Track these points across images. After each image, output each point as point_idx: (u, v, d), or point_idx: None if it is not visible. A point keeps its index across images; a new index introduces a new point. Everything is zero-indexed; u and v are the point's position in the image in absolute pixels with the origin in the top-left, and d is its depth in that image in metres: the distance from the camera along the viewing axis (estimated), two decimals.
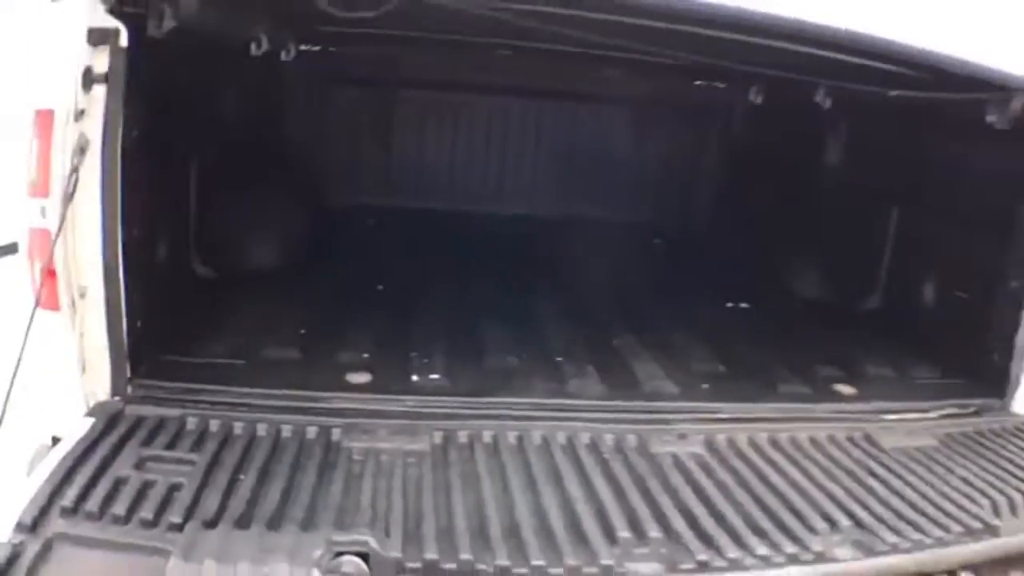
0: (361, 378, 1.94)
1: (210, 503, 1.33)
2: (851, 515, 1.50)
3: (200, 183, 2.42)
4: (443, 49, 2.70)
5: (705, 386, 2.07)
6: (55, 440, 1.79)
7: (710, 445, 1.74)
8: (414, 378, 1.98)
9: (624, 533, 1.38)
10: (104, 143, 1.61)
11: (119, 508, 1.29)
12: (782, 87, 2.59)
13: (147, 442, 1.52)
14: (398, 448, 1.60)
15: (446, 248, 2.98)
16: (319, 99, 3.19)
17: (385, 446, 1.60)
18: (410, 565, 1.24)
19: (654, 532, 1.39)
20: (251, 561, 1.17)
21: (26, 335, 1.63)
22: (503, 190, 3.45)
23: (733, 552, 1.35)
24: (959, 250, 2.28)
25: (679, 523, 1.42)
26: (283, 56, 2.32)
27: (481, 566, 1.25)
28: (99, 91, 1.60)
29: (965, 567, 1.39)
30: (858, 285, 2.71)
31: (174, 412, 1.64)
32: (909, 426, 1.91)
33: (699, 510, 1.47)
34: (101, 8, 1.57)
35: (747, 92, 2.87)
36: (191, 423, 1.61)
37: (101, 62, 1.59)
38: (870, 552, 1.40)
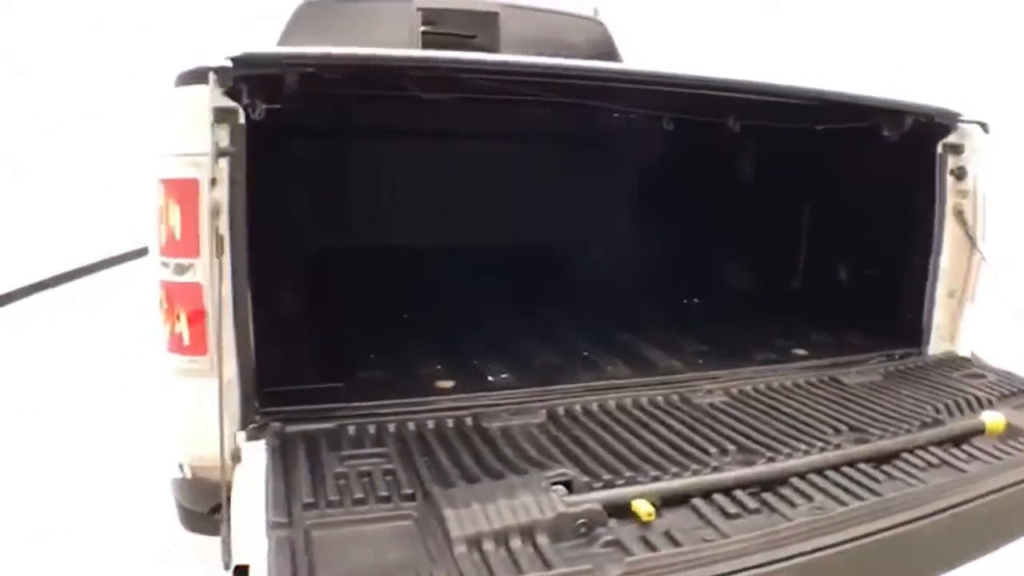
0: (448, 383, 2.35)
1: (428, 475, 1.68)
2: (844, 423, 2.09)
3: None
4: (392, 102, 2.89)
5: (700, 361, 2.65)
6: (181, 467, 2.07)
7: (729, 394, 2.30)
8: (489, 378, 2.41)
9: (712, 450, 1.91)
10: (232, 207, 1.91)
11: (356, 493, 1.60)
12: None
13: (333, 447, 1.81)
14: (524, 423, 2.02)
15: (431, 278, 3.31)
16: (281, 153, 3.29)
17: (515, 422, 2.02)
18: (595, 484, 1.68)
19: (730, 447, 1.93)
20: (504, 496, 1.56)
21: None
22: (459, 225, 3.77)
23: (785, 449, 1.91)
24: (865, 237, 2.98)
25: (742, 440, 1.96)
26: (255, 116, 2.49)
27: (640, 477, 1.73)
28: (224, 163, 1.90)
29: (931, 444, 1.98)
30: (781, 273, 3.41)
31: (330, 425, 1.94)
32: (859, 368, 2.55)
33: (749, 432, 2.02)
34: (220, 91, 1.89)
35: (660, 121, 3.27)
36: (351, 430, 1.92)
37: (224, 137, 1.89)
38: (866, 441, 1.98)
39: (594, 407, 2.15)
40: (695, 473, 1.77)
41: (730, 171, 3.68)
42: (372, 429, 1.94)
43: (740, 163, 3.67)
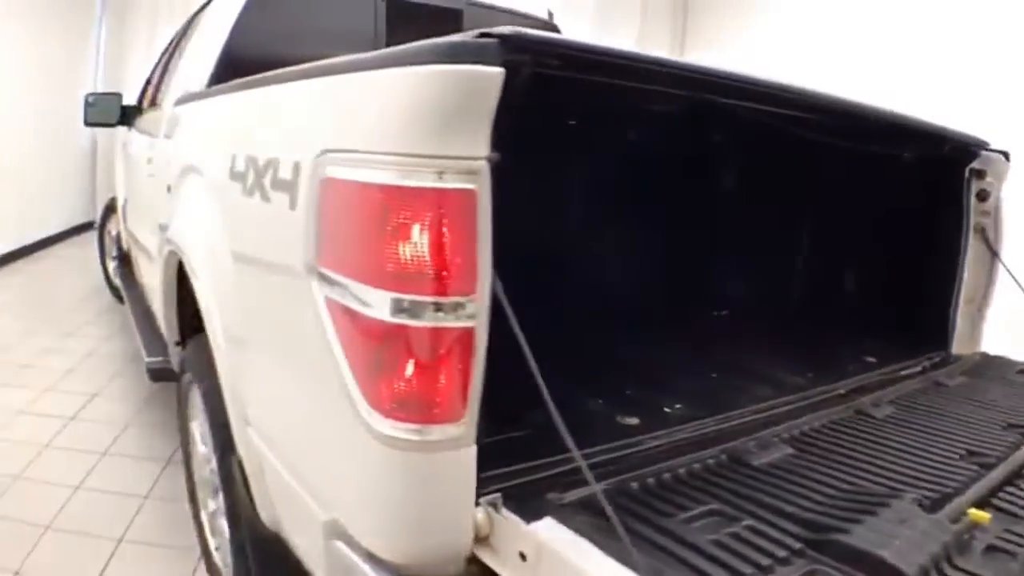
0: (633, 420, 2.19)
1: (793, 526, 1.54)
2: (1001, 421, 2.31)
3: None
4: None
5: (810, 375, 2.71)
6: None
7: (891, 405, 2.41)
8: (666, 410, 2.29)
9: (952, 455, 2.02)
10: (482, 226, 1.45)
11: (762, 561, 1.40)
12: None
13: (659, 512, 1.57)
14: (782, 455, 1.94)
15: None
16: None
17: (774, 455, 1.92)
18: (925, 502, 1.69)
19: (960, 451, 2.05)
20: (907, 527, 1.51)
21: None
22: None
23: (997, 449, 2.07)
24: (882, 250, 3.21)
25: (960, 445, 2.09)
26: None
27: (946, 489, 1.79)
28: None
29: None
30: (806, 286, 3.49)
31: (605, 484, 1.64)
32: (945, 371, 2.82)
33: (951, 437, 2.15)
34: None
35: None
36: (634, 487, 1.69)
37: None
38: None
39: (807, 429, 2.15)
40: (973, 479, 1.88)
41: (701, 180, 3.60)
42: (652, 481, 1.73)
43: (717, 175, 3.64)
